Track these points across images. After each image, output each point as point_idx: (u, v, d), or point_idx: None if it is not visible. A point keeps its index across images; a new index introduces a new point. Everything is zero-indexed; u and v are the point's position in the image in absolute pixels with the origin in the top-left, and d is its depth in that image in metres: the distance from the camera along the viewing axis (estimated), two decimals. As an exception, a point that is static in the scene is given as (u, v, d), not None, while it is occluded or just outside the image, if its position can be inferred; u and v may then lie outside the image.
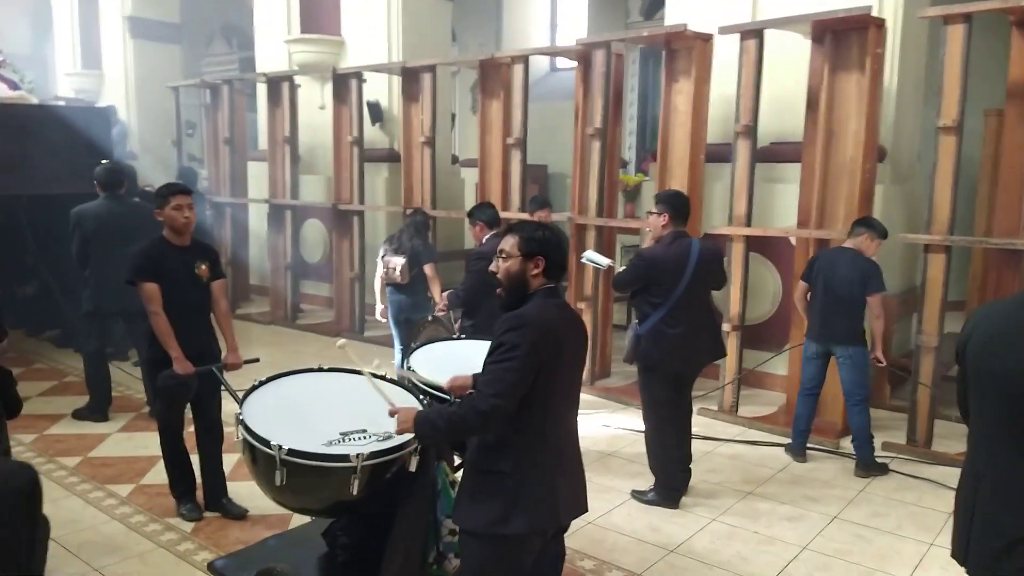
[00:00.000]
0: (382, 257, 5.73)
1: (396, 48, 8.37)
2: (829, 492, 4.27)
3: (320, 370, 3.35)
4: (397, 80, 8.34)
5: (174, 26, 12.22)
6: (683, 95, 5.46)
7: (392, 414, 2.54)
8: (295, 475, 2.74)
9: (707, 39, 5.35)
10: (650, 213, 4.10)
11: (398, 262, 5.61)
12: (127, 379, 5.96)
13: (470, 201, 9.96)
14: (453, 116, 10.26)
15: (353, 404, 3.07)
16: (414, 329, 5.37)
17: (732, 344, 5.33)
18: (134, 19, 11.71)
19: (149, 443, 4.51)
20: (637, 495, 4.12)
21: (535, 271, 2.37)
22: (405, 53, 8.20)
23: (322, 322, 8.38)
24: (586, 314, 5.99)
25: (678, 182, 5.52)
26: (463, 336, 4.17)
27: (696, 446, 4.81)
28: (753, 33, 5.06)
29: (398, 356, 5.71)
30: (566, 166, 12.02)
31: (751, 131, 5.13)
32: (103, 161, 7.07)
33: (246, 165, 9.35)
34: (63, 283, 6.46)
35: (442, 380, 3.03)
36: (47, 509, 3.59)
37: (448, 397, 2.98)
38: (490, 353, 2.33)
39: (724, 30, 5.19)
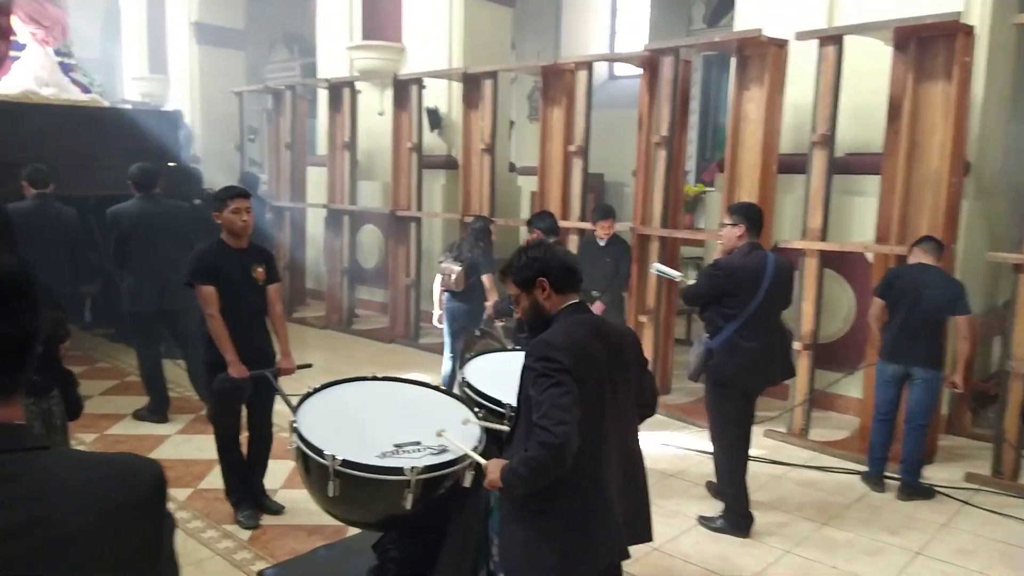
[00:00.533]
0: (440, 263, 5.72)
1: (456, 54, 8.33)
2: (911, 525, 4.02)
3: (374, 378, 3.32)
4: (457, 86, 8.31)
5: (239, 32, 12.42)
6: (754, 103, 5.26)
7: (485, 471, 2.42)
8: (348, 486, 2.66)
9: (782, 45, 5.14)
10: (724, 224, 3.98)
11: (455, 269, 5.57)
12: (186, 379, 5.98)
13: (526, 209, 9.88)
14: (511, 123, 10.18)
15: (408, 415, 3.03)
16: (466, 343, 5.30)
17: (804, 364, 5.10)
18: (200, 25, 11.94)
19: (207, 446, 4.49)
20: (705, 521, 3.93)
21: (543, 294, 2.26)
22: (465, 59, 8.15)
23: (377, 328, 8.36)
24: (647, 328, 5.82)
25: (747, 193, 5.32)
26: (518, 348, 4.06)
27: (765, 470, 4.62)
28: (833, 39, 4.85)
29: (447, 364, 5.69)
30: (623, 175, 11.92)
31: (828, 141, 4.91)
32: (170, 164, 7.20)
33: (305, 170, 9.41)
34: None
35: (497, 391, 2.93)
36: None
37: (502, 410, 2.88)
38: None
39: (802, 36, 4.97)
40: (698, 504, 4.12)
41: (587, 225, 6.25)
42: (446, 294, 5.71)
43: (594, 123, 6.78)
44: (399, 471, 2.59)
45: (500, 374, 3.20)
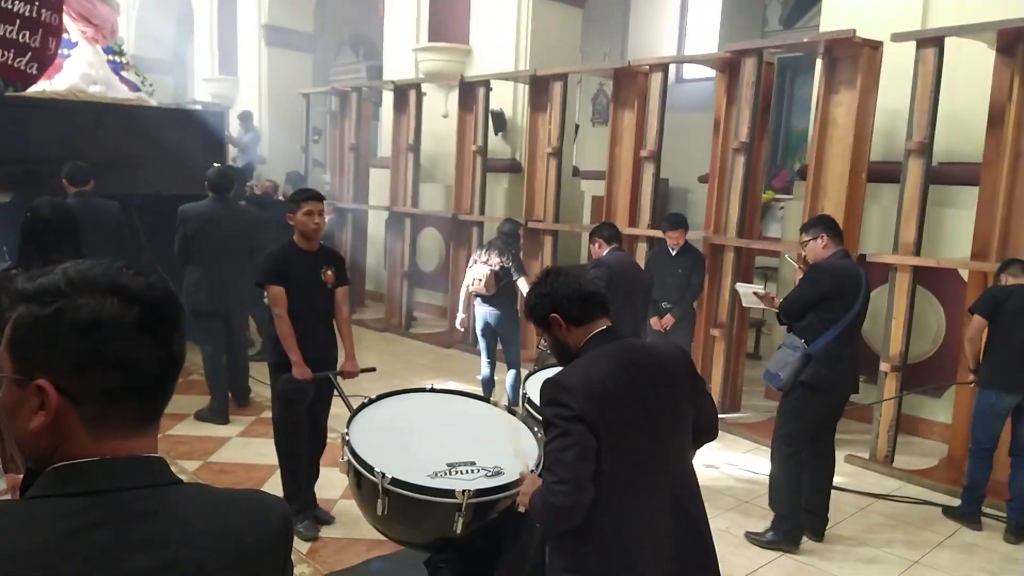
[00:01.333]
0: (470, 266, 5.57)
1: (523, 57, 8.18)
2: (1013, 568, 3.68)
3: (432, 390, 3.18)
4: (522, 89, 8.16)
5: (308, 35, 12.53)
6: (843, 107, 4.96)
7: (521, 479, 2.30)
8: (397, 506, 2.51)
9: (876, 47, 4.83)
10: (804, 242, 3.85)
11: (482, 273, 5.40)
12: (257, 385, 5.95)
13: (587, 215, 9.67)
14: (576, 127, 9.98)
15: (462, 431, 2.87)
16: (538, 356, 5.14)
17: (891, 386, 4.77)
18: (270, 27, 12.08)
19: (267, 450, 4.43)
20: (753, 537, 3.75)
21: (562, 330, 2.07)
22: (532, 61, 7.99)
23: (435, 332, 8.26)
24: (719, 342, 5.56)
25: (833, 202, 5.03)
26: None
27: (849, 500, 4.32)
28: (932, 41, 4.52)
29: (485, 369, 5.57)
30: (687, 180, 11.59)
31: (925, 149, 4.58)
32: (215, 164, 7.20)
33: (368, 171, 9.39)
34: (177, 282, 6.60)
35: None
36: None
37: None
38: (544, 431, 2.02)
39: (898, 37, 4.65)
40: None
41: (657, 233, 6.02)
42: (477, 298, 5.55)
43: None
44: (450, 493, 2.43)
45: None
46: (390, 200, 8.57)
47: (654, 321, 5.68)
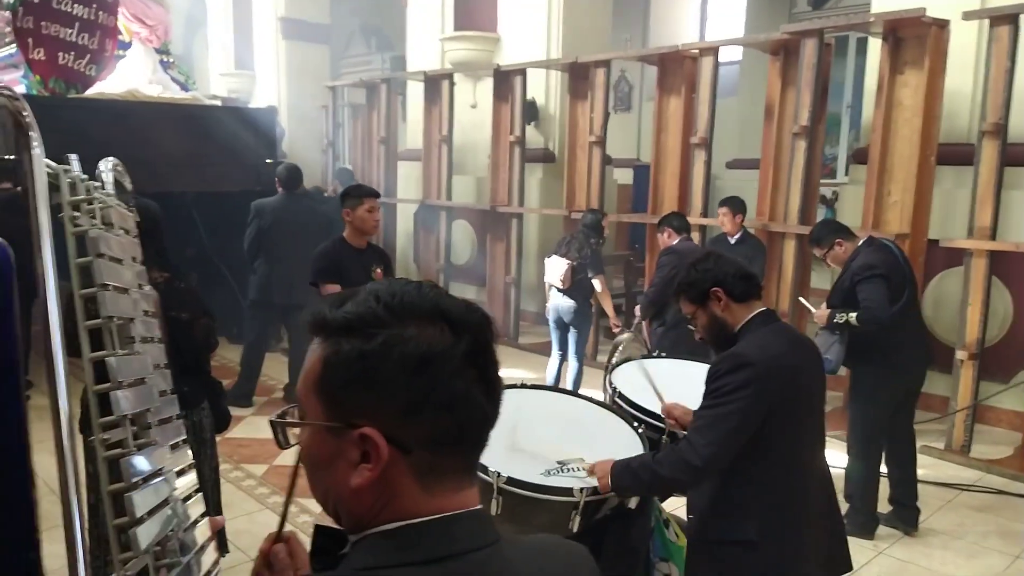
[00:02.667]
0: (548, 259, 5.53)
1: (555, 44, 8.02)
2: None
3: (523, 386, 3.07)
4: (556, 77, 8.02)
5: (325, 27, 12.35)
6: (910, 88, 4.83)
7: (589, 473, 2.28)
8: (511, 506, 2.41)
9: (943, 25, 4.70)
10: (823, 255, 3.85)
11: (560, 265, 5.32)
12: (273, 369, 6.05)
13: (613, 203, 9.50)
14: (607, 115, 9.82)
15: (565, 427, 2.76)
16: (612, 348, 5.04)
17: (967, 374, 4.67)
18: (287, 20, 11.90)
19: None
20: None
21: (720, 305, 2.07)
22: (564, 49, 7.84)
23: (473, 326, 8.14)
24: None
25: (900, 186, 4.91)
26: (661, 353, 3.73)
27: (931, 492, 4.21)
28: (1007, 19, 4.38)
29: (554, 363, 5.52)
30: (715, 167, 11.46)
31: (1001, 130, 4.45)
32: (267, 160, 7.13)
33: (396, 165, 9.26)
34: (237, 276, 6.58)
35: (654, 404, 2.65)
36: (242, 523, 3.44)
37: (662, 425, 2.59)
38: (705, 396, 2.00)
39: (970, 15, 4.53)
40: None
41: (711, 221, 5.90)
42: (552, 289, 5.50)
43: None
44: (568, 492, 2.33)
45: (648, 384, 2.91)
46: (423, 193, 8.44)
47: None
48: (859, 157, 5.74)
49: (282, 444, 0.83)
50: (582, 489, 2.31)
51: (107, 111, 6.21)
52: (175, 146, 6.46)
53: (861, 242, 3.71)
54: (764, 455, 1.96)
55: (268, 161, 7.19)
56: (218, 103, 10.73)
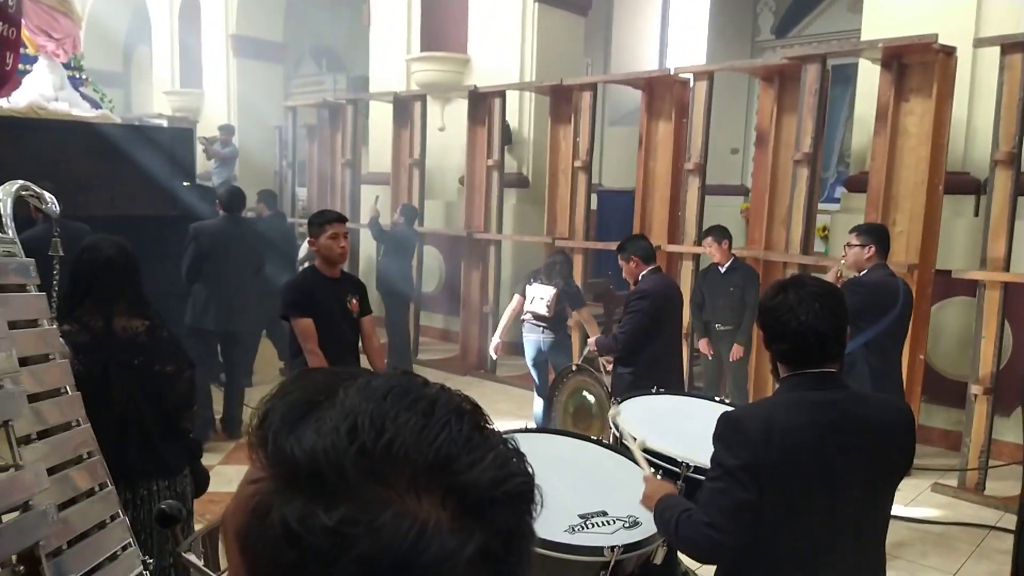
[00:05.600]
0: (528, 286, 5.15)
1: (529, 66, 7.80)
2: None
3: (525, 431, 2.90)
4: (530, 100, 7.79)
5: (278, 45, 11.90)
6: (915, 116, 4.73)
7: (645, 481, 2.15)
8: (535, 566, 2.10)
9: (950, 53, 4.62)
10: (850, 245, 3.88)
11: (547, 292, 5.01)
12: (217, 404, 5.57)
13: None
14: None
15: (580, 475, 2.53)
16: (556, 378, 4.71)
17: (981, 409, 4.54)
18: (239, 37, 11.41)
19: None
20: None
21: (774, 360, 1.81)
22: (538, 71, 7.63)
23: (444, 357, 7.76)
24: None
25: (907, 215, 4.79)
26: (660, 389, 3.46)
27: (960, 534, 4.03)
28: (1019, 46, 4.31)
29: (538, 404, 5.12)
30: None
31: (1014, 159, 4.36)
32: (184, 183, 6.70)
33: (360, 189, 8.85)
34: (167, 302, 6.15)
35: (674, 450, 2.44)
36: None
37: (678, 470, 2.38)
38: (711, 458, 1.80)
39: (981, 43, 4.46)
40: None
41: (702, 250, 5.70)
42: (528, 323, 5.18)
43: (630, 137, 6.24)
44: (598, 551, 2.10)
45: (655, 422, 2.75)
46: (392, 218, 8.03)
47: (703, 344, 5.35)
48: (853, 185, 5.64)
49: None
50: (613, 548, 2.08)
51: (6, 128, 5.70)
52: (82, 168, 5.94)
53: (879, 264, 3.81)
54: (765, 551, 1.71)
55: (185, 184, 6.74)
56: (162, 122, 10.19)
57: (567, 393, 4.24)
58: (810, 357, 1.75)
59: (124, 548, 1.82)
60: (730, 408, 2.98)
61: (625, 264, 4.25)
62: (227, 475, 4.57)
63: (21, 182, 1.85)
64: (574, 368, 4.44)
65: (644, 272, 4.14)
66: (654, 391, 3.28)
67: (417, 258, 7.88)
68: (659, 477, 2.42)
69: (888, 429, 1.77)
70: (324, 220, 3.46)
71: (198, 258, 5.19)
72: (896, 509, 4.15)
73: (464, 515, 0.48)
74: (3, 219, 1.71)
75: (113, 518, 1.83)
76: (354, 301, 3.52)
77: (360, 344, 3.64)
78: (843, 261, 3.98)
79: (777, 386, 1.83)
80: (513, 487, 0.50)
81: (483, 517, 0.49)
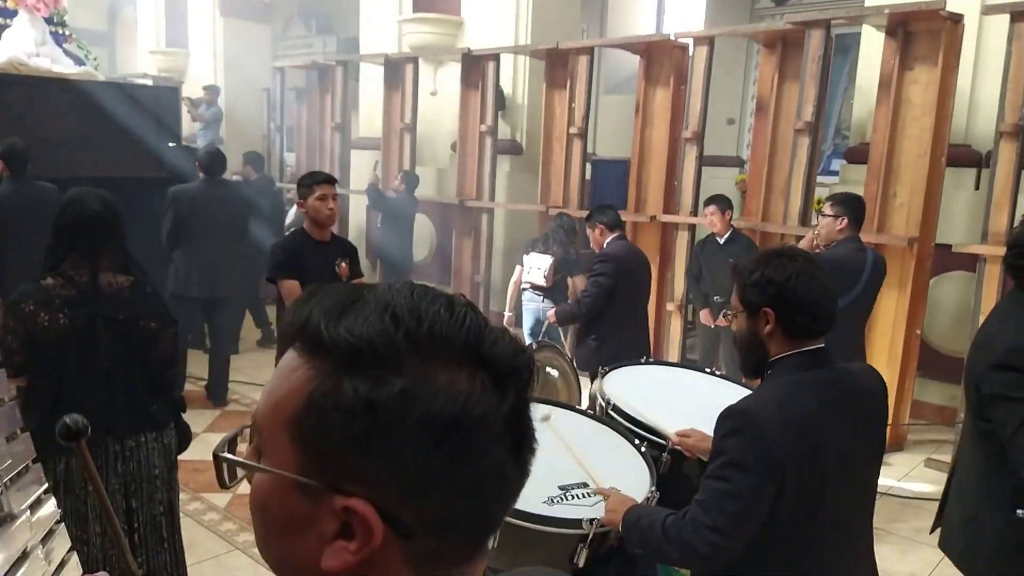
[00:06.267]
0: (525, 255, 5.19)
1: (524, 30, 7.60)
2: None
3: None
4: (524, 64, 7.61)
5: (266, 5, 11.59)
6: (920, 85, 4.62)
7: (601, 494, 2.03)
8: (511, 538, 2.05)
9: (957, 20, 4.49)
10: (824, 215, 3.86)
11: (544, 261, 4.98)
12: (196, 366, 5.53)
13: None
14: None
15: (561, 446, 2.43)
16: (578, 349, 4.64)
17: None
18: (225, -5, 11.10)
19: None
20: None
21: (767, 329, 1.69)
22: (534, 35, 7.45)
23: (435, 327, 7.67)
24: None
25: (908, 187, 4.70)
26: (649, 359, 3.41)
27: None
28: (1029, 13, 4.20)
29: None
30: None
31: (1020, 132, 4.26)
32: (170, 144, 6.53)
33: (350, 153, 8.67)
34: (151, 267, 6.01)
35: (663, 422, 2.36)
36: (209, 570, 2.94)
37: (665, 442, 2.31)
38: (712, 456, 1.67)
39: (991, 9, 4.34)
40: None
41: (698, 220, 5.61)
42: (527, 292, 5.17)
43: (625, 105, 6.13)
44: (576, 523, 2.02)
45: (641, 393, 2.67)
46: (382, 184, 7.88)
47: (705, 315, 5.27)
48: (853, 156, 5.54)
49: (224, 483, 0.65)
50: (592, 520, 2.00)
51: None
52: (65, 126, 5.79)
53: (847, 237, 3.79)
54: (775, 534, 1.61)
55: (172, 145, 6.57)
56: (147, 82, 9.92)
57: (610, 368, 4.27)
58: (820, 329, 1.70)
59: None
60: (721, 378, 2.97)
61: (591, 232, 4.42)
62: (212, 443, 4.46)
63: None
64: (534, 346, 4.42)
65: (609, 239, 4.28)
66: (642, 361, 3.24)
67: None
68: (643, 450, 2.38)
69: (878, 398, 1.77)
70: (313, 181, 3.43)
71: (178, 223, 5.09)
72: (890, 484, 4.16)
73: (496, 385, 0.59)
74: None
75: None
76: (343, 264, 3.48)
77: None
78: (817, 230, 3.99)
79: (770, 367, 1.74)
80: (525, 359, 0.62)
81: (509, 382, 0.60)
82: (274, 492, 0.60)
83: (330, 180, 3.47)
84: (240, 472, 0.63)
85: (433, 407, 0.56)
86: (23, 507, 1.56)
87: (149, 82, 10.05)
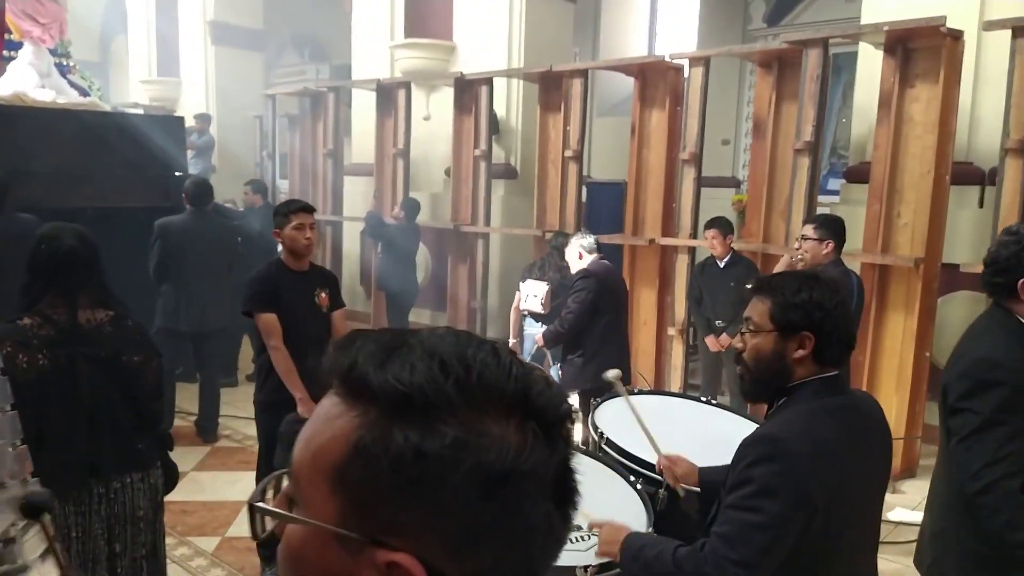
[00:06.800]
0: (522, 282, 5.18)
1: (516, 54, 7.55)
2: None
3: None
4: (517, 88, 7.56)
5: (257, 33, 11.57)
6: (921, 103, 4.54)
7: (591, 528, 1.91)
8: None
9: (957, 37, 4.43)
10: (807, 238, 3.85)
11: (540, 289, 4.94)
12: (185, 401, 5.36)
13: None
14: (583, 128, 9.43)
15: None
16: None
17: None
18: (217, 24, 11.07)
19: (225, 486, 4.19)
20: None
21: (799, 354, 1.60)
22: (527, 59, 7.40)
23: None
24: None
25: (911, 207, 4.60)
26: (641, 389, 3.30)
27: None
28: (1031, 28, 4.13)
29: None
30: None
31: (1026, 148, 4.18)
32: (176, 173, 6.44)
33: (343, 180, 8.58)
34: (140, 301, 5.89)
35: (647, 450, 2.24)
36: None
37: (660, 477, 2.19)
38: (732, 488, 1.54)
39: (991, 25, 4.26)
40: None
41: (698, 243, 5.51)
42: (527, 319, 5.11)
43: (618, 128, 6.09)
44: (569, 572, 1.89)
45: (634, 425, 2.50)
46: (391, 212, 7.78)
47: (710, 340, 5.15)
48: (853, 176, 5.45)
49: (257, 535, 0.62)
50: (586, 568, 1.86)
51: (-9, 117, 5.38)
52: (71, 157, 5.73)
53: (833, 262, 3.82)
54: (796, 564, 1.52)
55: (177, 174, 6.49)
56: (139, 111, 9.85)
57: (602, 399, 4.21)
58: (846, 358, 1.70)
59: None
60: (718, 407, 2.87)
61: (569, 254, 4.45)
62: (201, 482, 4.34)
63: None
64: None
65: (587, 260, 4.32)
66: (636, 391, 3.14)
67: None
68: (639, 487, 2.26)
69: (883, 422, 1.73)
70: (289, 209, 3.33)
71: (165, 256, 5.00)
72: (904, 515, 4.01)
73: (547, 437, 0.58)
74: None
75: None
76: (323, 295, 3.39)
77: (331, 340, 3.47)
78: (800, 253, 3.94)
79: (787, 393, 1.65)
80: (567, 408, 0.61)
81: (557, 433, 0.59)
82: (310, 544, 0.58)
83: (307, 208, 3.38)
84: (271, 522, 0.61)
85: (485, 458, 0.55)
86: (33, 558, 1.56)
87: (141, 111, 10.01)
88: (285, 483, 0.63)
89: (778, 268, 4.40)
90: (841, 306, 1.63)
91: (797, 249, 3.98)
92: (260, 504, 0.62)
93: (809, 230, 3.88)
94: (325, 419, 0.59)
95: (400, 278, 6.56)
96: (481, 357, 0.58)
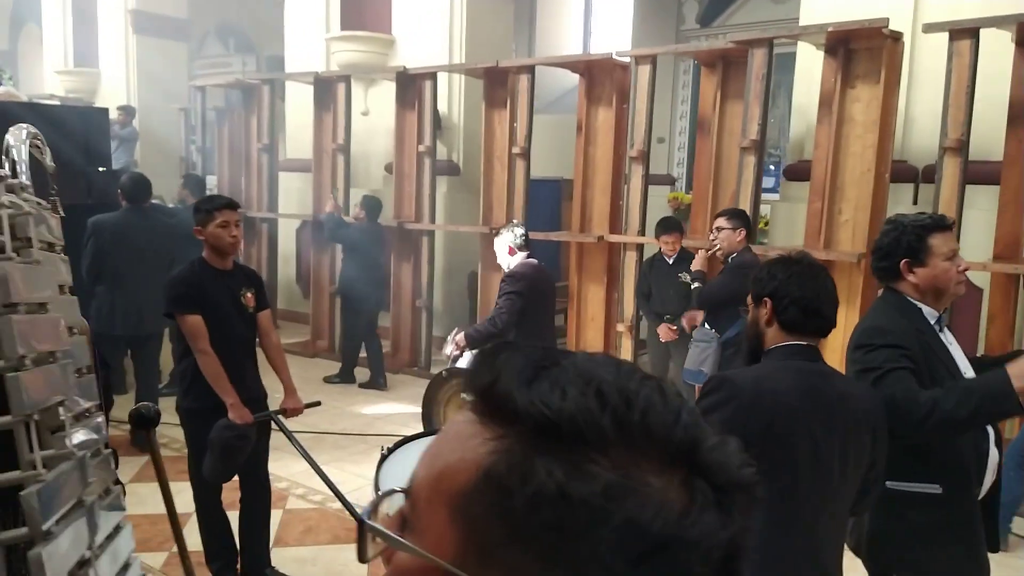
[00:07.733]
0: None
1: (458, 48, 7.47)
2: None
3: (424, 434, 2.86)
4: (460, 84, 7.47)
5: (182, 22, 11.10)
6: (862, 103, 4.68)
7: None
8: None
9: (898, 38, 4.58)
10: (721, 228, 4.25)
11: None
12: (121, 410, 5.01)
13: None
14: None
15: None
16: (428, 389, 4.45)
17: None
18: (139, 13, 10.57)
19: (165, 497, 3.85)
20: None
21: (766, 318, 1.87)
22: (467, 54, 7.32)
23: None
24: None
25: (852, 204, 4.74)
26: None
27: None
28: (968, 32, 4.30)
29: None
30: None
31: (963, 147, 4.35)
32: (100, 168, 6.12)
33: (278, 176, 8.31)
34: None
35: None
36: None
37: None
38: None
39: (931, 28, 4.42)
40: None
41: (645, 240, 5.55)
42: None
43: (550, 127, 6.08)
44: None
45: None
46: (314, 208, 7.58)
47: (662, 330, 5.19)
48: (793, 174, 5.59)
49: (365, 558, 0.54)
50: None
51: None
52: None
53: (745, 248, 4.27)
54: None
55: (101, 169, 6.16)
56: (55, 103, 9.32)
57: (444, 402, 4.25)
58: (812, 327, 1.84)
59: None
60: None
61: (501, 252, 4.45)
62: (140, 494, 4.10)
63: (29, 128, 1.65)
64: (443, 374, 4.27)
65: (517, 258, 4.30)
66: None
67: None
68: None
69: (862, 404, 1.82)
70: (213, 206, 3.19)
71: (99, 256, 4.73)
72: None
73: (719, 504, 0.48)
74: (20, 167, 1.49)
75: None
76: (249, 295, 3.27)
77: (258, 341, 3.38)
78: (716, 244, 4.30)
79: (765, 356, 1.87)
80: (751, 473, 0.50)
81: (733, 500, 0.48)
82: (418, 575, 0.51)
83: (232, 205, 3.24)
84: (379, 543, 0.54)
85: (642, 516, 0.46)
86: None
87: (57, 103, 9.46)
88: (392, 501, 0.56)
89: (698, 259, 4.66)
90: (796, 276, 1.82)
91: (713, 239, 4.33)
92: (372, 523, 0.53)
93: (723, 221, 4.27)
94: (456, 437, 0.52)
95: (364, 284, 6.15)
96: (645, 394, 0.49)
